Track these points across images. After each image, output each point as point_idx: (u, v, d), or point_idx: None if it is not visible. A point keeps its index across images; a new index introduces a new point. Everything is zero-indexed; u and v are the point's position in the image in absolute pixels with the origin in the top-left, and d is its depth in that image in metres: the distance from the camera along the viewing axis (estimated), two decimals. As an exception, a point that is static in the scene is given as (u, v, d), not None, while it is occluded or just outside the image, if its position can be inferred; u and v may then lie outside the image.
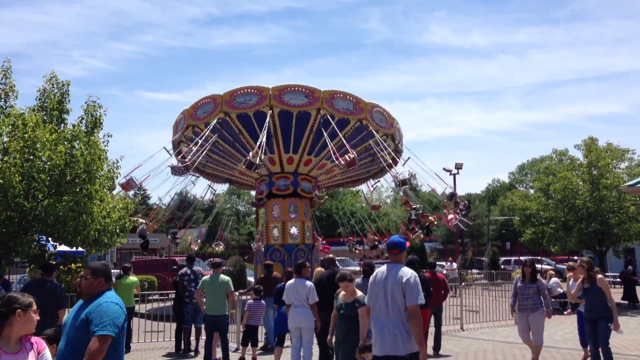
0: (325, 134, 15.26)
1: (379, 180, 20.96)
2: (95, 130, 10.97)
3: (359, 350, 5.57)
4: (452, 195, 16.86)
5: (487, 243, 46.31)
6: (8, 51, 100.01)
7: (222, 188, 32.35)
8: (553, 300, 16.52)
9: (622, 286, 18.58)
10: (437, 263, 22.34)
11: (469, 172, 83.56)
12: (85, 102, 11.08)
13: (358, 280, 7.35)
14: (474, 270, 28.85)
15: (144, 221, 16.88)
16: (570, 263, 9.45)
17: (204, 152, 15.96)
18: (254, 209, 34.48)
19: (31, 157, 9.48)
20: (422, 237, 19.40)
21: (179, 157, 16.57)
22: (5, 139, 9.61)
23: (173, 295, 11.07)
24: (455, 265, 25.72)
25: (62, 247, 11.80)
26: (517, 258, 32.43)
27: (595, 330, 7.41)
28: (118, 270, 17.21)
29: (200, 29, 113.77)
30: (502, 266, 30.78)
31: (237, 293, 10.52)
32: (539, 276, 8.70)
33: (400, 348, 4.68)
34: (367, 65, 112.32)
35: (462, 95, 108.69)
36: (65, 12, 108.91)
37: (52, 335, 4.29)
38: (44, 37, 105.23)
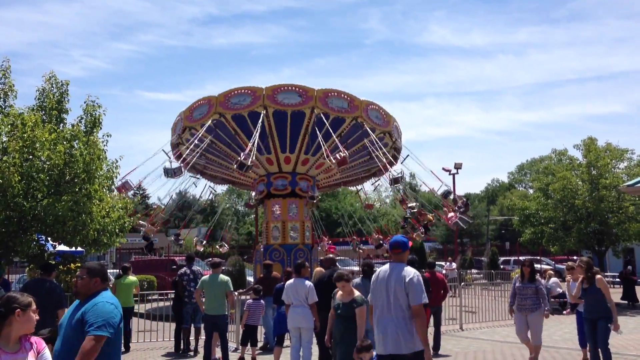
0: (319, 133, 15.24)
1: (379, 179, 20.94)
2: (95, 130, 10.96)
3: (357, 351, 5.57)
4: (448, 193, 16.89)
5: (487, 243, 46.39)
6: (7, 51, 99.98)
7: (221, 188, 32.35)
8: (552, 300, 16.55)
9: (622, 286, 18.60)
10: (437, 263, 22.37)
11: (468, 172, 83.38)
12: (85, 102, 11.07)
13: (357, 280, 7.36)
14: (474, 270, 28.86)
15: (144, 223, 16.92)
16: (570, 263, 9.46)
17: (199, 154, 16.03)
18: (254, 209, 34.49)
19: (30, 156, 9.47)
20: (423, 237, 19.38)
21: (179, 159, 16.66)
22: (5, 139, 9.60)
23: (172, 295, 11.07)
24: (454, 265, 25.73)
25: (62, 247, 11.79)
26: (517, 258, 32.42)
27: (595, 330, 7.41)
28: (117, 270, 17.25)
29: (200, 29, 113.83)
30: (502, 266, 30.80)
31: (236, 293, 10.53)
32: (537, 276, 8.72)
33: (403, 347, 4.69)
34: (366, 65, 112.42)
35: (461, 95, 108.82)
36: (65, 11, 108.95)
37: (47, 335, 4.28)
38: (44, 36, 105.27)
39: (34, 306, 3.28)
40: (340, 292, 6.46)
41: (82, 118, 10.97)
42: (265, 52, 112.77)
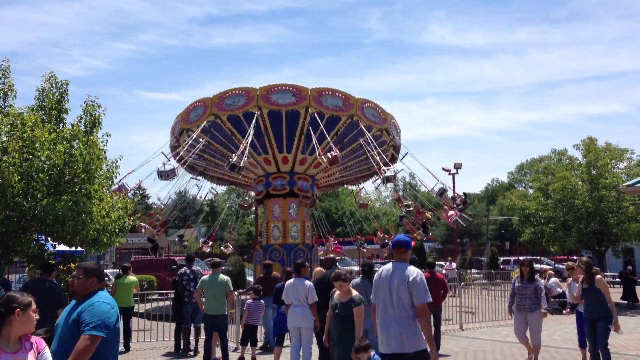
0: (313, 132, 15.20)
1: (379, 178, 20.93)
2: (94, 130, 10.95)
3: (355, 351, 5.57)
4: (443, 191, 16.89)
5: (487, 243, 46.36)
6: (7, 50, 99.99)
7: (221, 189, 32.34)
8: (552, 300, 16.56)
9: (622, 286, 18.60)
10: (437, 263, 22.38)
11: (468, 171, 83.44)
12: (84, 102, 11.05)
13: (357, 280, 7.35)
14: (473, 270, 28.86)
15: (147, 226, 17.00)
16: (570, 263, 9.46)
17: (197, 155, 16.06)
18: (253, 208, 34.49)
19: (30, 156, 9.46)
20: (423, 236, 19.37)
21: (180, 161, 16.70)
22: (4, 139, 9.59)
23: (172, 295, 11.07)
24: (454, 265, 25.73)
25: (61, 247, 11.77)
26: (517, 258, 32.44)
27: (595, 330, 7.40)
28: (117, 270, 17.24)
29: (200, 29, 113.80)
30: (502, 266, 30.80)
31: (236, 293, 10.52)
32: (537, 276, 8.72)
33: (406, 346, 4.70)
34: (366, 64, 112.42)
35: (461, 95, 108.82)
36: (65, 11, 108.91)
37: (43, 335, 4.27)
38: (43, 36, 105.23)
39: (34, 306, 3.27)
40: (337, 292, 6.46)
41: (81, 118, 10.96)
42: (265, 52, 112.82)
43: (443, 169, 27.30)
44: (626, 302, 17.68)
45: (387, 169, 14.51)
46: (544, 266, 28.18)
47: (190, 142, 15.45)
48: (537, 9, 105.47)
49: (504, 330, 12.20)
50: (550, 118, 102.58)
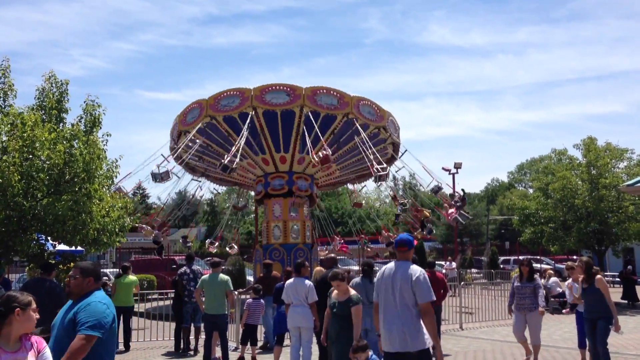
0: (306, 132, 15.18)
1: (381, 182, 20.90)
2: (95, 130, 10.95)
3: (352, 351, 5.57)
4: (438, 189, 16.92)
5: (486, 242, 46.37)
6: (7, 50, 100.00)
7: (222, 188, 32.32)
8: (552, 299, 16.57)
9: (622, 286, 18.61)
10: (437, 262, 22.38)
11: (468, 171, 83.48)
12: (85, 102, 11.06)
13: (357, 279, 7.35)
14: (473, 270, 28.87)
15: (149, 228, 17.04)
16: (569, 263, 9.46)
17: (197, 156, 16.09)
18: (253, 208, 34.49)
19: (30, 156, 9.46)
20: (424, 235, 19.37)
21: (181, 162, 16.72)
22: (4, 138, 9.59)
23: (172, 295, 11.07)
24: (454, 264, 25.73)
25: (62, 247, 11.77)
26: (516, 257, 32.46)
27: (595, 330, 7.40)
28: (117, 270, 17.25)
29: (200, 28, 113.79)
30: (501, 266, 30.81)
31: (236, 292, 10.52)
32: (536, 275, 8.72)
33: (409, 345, 4.71)
34: (366, 64, 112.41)
35: (461, 95, 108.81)
36: (65, 11, 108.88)
37: (38, 334, 4.26)
38: (43, 36, 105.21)
39: (33, 305, 3.26)
40: (336, 291, 6.47)
41: (81, 117, 10.96)
42: (265, 51, 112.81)
43: (443, 168, 27.24)
44: (626, 301, 17.69)
45: (380, 168, 14.44)
46: (544, 266, 28.20)
47: (188, 144, 15.48)
48: (537, 9, 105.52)
49: (504, 330, 12.21)
50: (550, 118, 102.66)
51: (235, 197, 25.11)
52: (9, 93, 10.55)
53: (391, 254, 31.29)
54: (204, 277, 9.16)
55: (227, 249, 22.22)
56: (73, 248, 11.81)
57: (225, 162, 13.78)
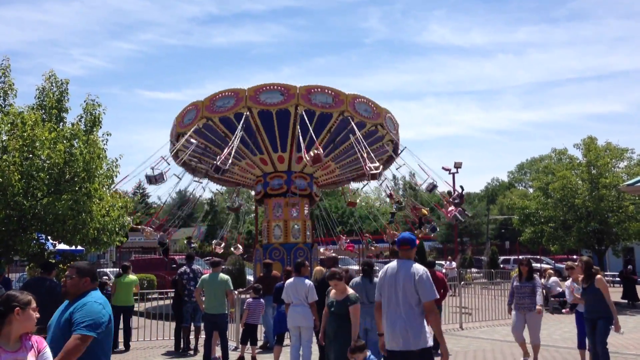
0: (304, 131, 15.18)
1: (383, 177, 20.86)
2: (95, 129, 10.94)
3: (350, 351, 5.57)
4: (433, 187, 16.96)
5: (487, 242, 46.33)
6: (7, 49, 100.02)
7: (223, 188, 32.31)
8: (552, 299, 16.56)
9: (622, 285, 18.61)
10: (437, 262, 22.37)
11: (468, 171, 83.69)
12: (85, 101, 11.05)
13: (357, 279, 7.35)
14: (473, 270, 28.85)
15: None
16: (569, 263, 9.46)
17: (187, 156, 16.15)
18: (253, 207, 34.50)
19: (30, 155, 9.46)
20: (425, 235, 19.37)
21: (182, 164, 16.75)
22: (5, 138, 9.58)
23: (172, 294, 11.07)
24: (454, 264, 25.72)
25: (62, 246, 11.78)
26: (517, 257, 32.47)
27: (595, 330, 7.39)
28: (117, 269, 17.25)
29: (200, 28, 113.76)
30: (501, 265, 30.80)
31: (236, 292, 10.52)
32: (535, 275, 8.72)
33: (411, 343, 4.72)
34: (366, 64, 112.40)
35: (461, 95, 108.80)
36: (65, 10, 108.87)
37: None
38: (43, 35, 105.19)
39: (33, 304, 3.25)
40: (333, 290, 6.47)
41: (82, 117, 10.95)
42: (265, 51, 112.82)
43: (443, 168, 27.24)
44: (626, 301, 17.68)
45: (373, 167, 14.41)
46: (544, 265, 28.18)
47: (185, 145, 15.54)
48: (537, 9, 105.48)
49: (504, 330, 12.20)
50: (550, 117, 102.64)
51: (235, 197, 25.07)
52: (9, 92, 10.55)
53: (391, 254, 31.30)
54: (204, 276, 9.16)
55: (232, 249, 22.23)
56: (73, 247, 11.81)
57: (218, 163, 13.80)
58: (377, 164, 14.73)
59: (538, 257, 31.54)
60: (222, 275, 8.89)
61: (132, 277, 11.20)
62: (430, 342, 4.82)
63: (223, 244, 21.90)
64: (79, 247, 11.81)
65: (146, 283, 19.80)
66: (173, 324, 10.79)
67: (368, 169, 14.30)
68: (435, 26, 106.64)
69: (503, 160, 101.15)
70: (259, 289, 9.62)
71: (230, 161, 14.12)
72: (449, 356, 4.80)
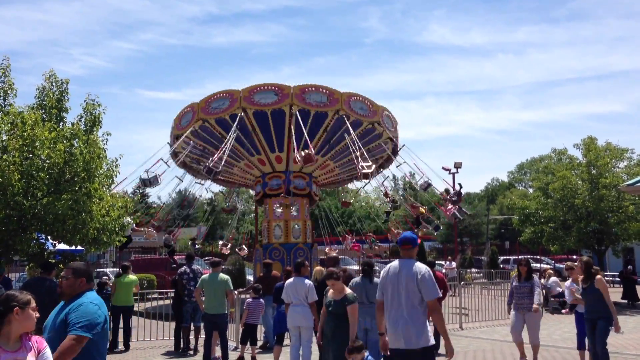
0: (300, 130, 15.17)
1: (385, 178, 20.86)
2: (95, 129, 10.94)
3: (348, 352, 5.57)
4: (427, 185, 16.95)
5: (486, 242, 46.33)
6: (7, 49, 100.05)
7: (221, 187, 32.32)
8: (552, 299, 16.56)
9: (622, 285, 18.60)
10: (437, 262, 22.36)
11: (468, 171, 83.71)
12: (85, 101, 11.04)
13: (357, 279, 7.35)
14: (473, 270, 28.85)
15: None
16: (569, 263, 9.46)
17: (183, 158, 16.21)
18: (254, 207, 34.50)
19: (30, 155, 9.46)
20: (425, 234, 19.39)
21: (183, 165, 16.77)
22: (4, 137, 9.58)
23: (172, 294, 11.07)
24: (454, 264, 25.71)
25: (62, 246, 11.77)
26: (516, 257, 32.47)
27: (595, 330, 7.39)
28: (117, 269, 17.26)
29: (200, 28, 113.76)
30: (501, 265, 30.80)
31: (236, 292, 10.52)
32: (534, 275, 8.72)
33: (413, 342, 4.74)
34: (366, 64, 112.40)
35: (461, 94, 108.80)
36: (65, 10, 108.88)
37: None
38: (43, 35, 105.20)
39: (33, 304, 3.24)
40: (331, 290, 6.47)
41: (82, 117, 10.95)
42: (265, 51, 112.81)
43: (443, 168, 27.26)
44: (626, 301, 17.68)
45: (366, 166, 14.39)
46: (544, 266, 28.18)
47: (183, 147, 15.60)
48: (537, 9, 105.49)
49: (504, 330, 12.20)
50: (550, 117, 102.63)
51: (235, 197, 25.09)
52: (9, 92, 10.54)
53: (391, 254, 31.31)
54: (203, 276, 9.16)
55: (237, 250, 22.24)
56: (73, 247, 11.81)
57: (210, 165, 13.83)
58: (370, 164, 14.70)
59: (538, 257, 31.54)
60: (222, 275, 8.89)
61: (132, 277, 11.20)
62: (432, 341, 4.84)
63: (229, 245, 21.92)
64: (79, 247, 11.81)
65: (146, 283, 19.80)
66: (173, 324, 10.79)
67: (360, 167, 14.29)
68: (435, 26, 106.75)
69: (503, 160, 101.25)
70: (259, 289, 9.62)
71: (222, 163, 14.15)
72: (454, 353, 4.83)
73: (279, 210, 17.17)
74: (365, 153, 15.05)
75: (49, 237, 10.41)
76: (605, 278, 9.46)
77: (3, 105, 10.43)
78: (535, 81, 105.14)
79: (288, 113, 15.42)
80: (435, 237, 47.03)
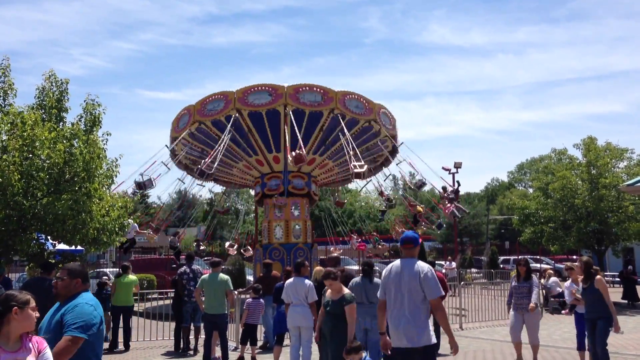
0: (291, 130, 15.16)
1: (387, 177, 20.86)
2: (95, 129, 10.94)
3: (346, 352, 5.57)
4: (422, 184, 16.92)
5: (486, 242, 46.33)
6: (7, 49, 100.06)
7: (220, 187, 32.33)
8: (552, 299, 16.56)
9: (622, 286, 18.60)
10: (436, 262, 22.36)
11: (468, 171, 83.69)
12: (85, 101, 11.05)
13: (357, 279, 7.34)
14: (473, 270, 28.84)
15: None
16: (568, 263, 9.45)
17: (179, 159, 16.24)
18: (254, 207, 34.51)
19: (30, 155, 9.47)
20: (424, 234, 19.41)
21: (184, 167, 16.79)
22: (4, 137, 9.59)
23: (172, 294, 11.07)
24: (454, 264, 25.70)
25: (61, 246, 11.78)
26: (516, 257, 32.46)
27: (595, 330, 7.39)
28: (117, 269, 17.25)
29: (200, 28, 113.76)
30: (501, 265, 30.81)
31: (236, 292, 10.52)
32: (533, 275, 8.72)
33: (416, 341, 4.76)
34: (366, 64, 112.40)
35: (461, 94, 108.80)
36: (65, 10, 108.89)
37: None
38: (43, 35, 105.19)
39: (32, 304, 3.23)
40: (330, 290, 6.47)
41: (81, 117, 10.96)
42: (265, 51, 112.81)
43: (443, 168, 27.27)
44: (626, 301, 17.68)
45: (358, 165, 14.38)
46: (544, 266, 28.17)
47: (182, 149, 15.64)
48: (537, 9, 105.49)
49: (504, 330, 12.19)
50: (550, 117, 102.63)
51: (235, 197, 25.12)
52: (9, 92, 10.55)
53: (391, 254, 31.29)
54: (203, 276, 9.16)
55: (242, 251, 22.25)
56: (73, 247, 11.82)
57: (202, 168, 13.85)
58: (362, 163, 14.69)
59: (538, 257, 31.54)
60: (222, 276, 8.88)
61: (132, 277, 11.20)
62: (434, 340, 4.86)
63: (236, 246, 21.93)
64: (79, 247, 11.82)
65: (146, 283, 19.80)
66: (173, 324, 10.79)
67: (352, 167, 14.28)
68: (435, 26, 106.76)
69: (503, 160, 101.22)
70: (259, 289, 9.62)
71: (216, 165, 14.16)
72: (458, 348, 4.89)
73: (279, 212, 17.15)
74: (358, 152, 15.03)
75: (49, 237, 10.41)
76: (605, 278, 9.46)
77: (3, 105, 10.44)
78: (535, 81, 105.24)
79: (282, 113, 15.43)
80: (435, 237, 47.08)
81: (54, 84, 11.05)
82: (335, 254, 9.04)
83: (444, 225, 19.70)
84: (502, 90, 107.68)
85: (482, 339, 11.19)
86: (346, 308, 6.16)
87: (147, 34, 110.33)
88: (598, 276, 7.47)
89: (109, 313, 11.02)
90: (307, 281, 7.59)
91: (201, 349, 9.44)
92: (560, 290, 16.25)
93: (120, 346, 10.59)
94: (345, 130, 15.34)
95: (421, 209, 18.77)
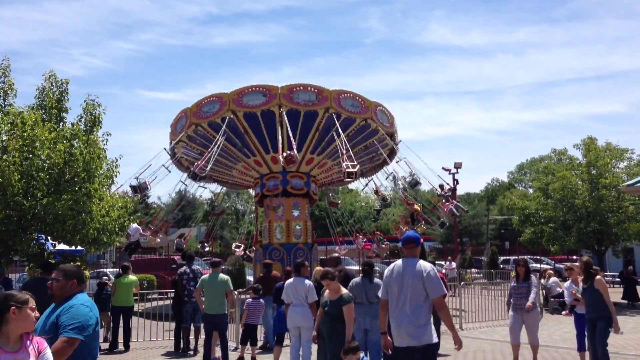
0: (285, 130, 15.15)
1: (389, 175, 20.80)
2: (95, 129, 10.96)
3: (344, 352, 5.57)
4: (416, 183, 16.92)
5: (486, 242, 46.31)
6: (7, 49, 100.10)
7: (220, 187, 32.33)
8: (552, 299, 16.56)
9: (622, 286, 18.60)
10: (436, 262, 22.37)
11: (468, 171, 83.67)
12: (85, 101, 11.07)
13: (357, 279, 7.34)
14: (473, 270, 28.84)
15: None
16: (568, 264, 9.45)
17: (176, 161, 16.27)
18: (254, 207, 34.45)
19: (30, 155, 9.47)
20: (423, 234, 19.38)
21: (188, 170, 16.78)
22: (4, 138, 9.59)
23: (172, 294, 11.07)
24: (454, 264, 25.71)
25: (61, 246, 11.79)
26: (516, 257, 32.44)
27: (595, 330, 7.39)
28: (117, 269, 17.26)
29: (200, 28, 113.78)
30: (501, 265, 30.81)
31: (236, 292, 10.52)
32: (532, 275, 8.72)
33: (417, 340, 4.78)
34: (366, 64, 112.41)
35: (461, 95, 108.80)
36: (65, 10, 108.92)
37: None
38: (43, 35, 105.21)
39: (31, 304, 3.21)
40: (328, 290, 6.48)
41: (82, 117, 10.97)
42: (265, 51, 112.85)
43: (443, 168, 27.26)
44: (626, 301, 17.68)
45: (351, 165, 14.36)
46: (544, 266, 28.17)
47: (182, 151, 15.68)
48: (537, 9, 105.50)
49: (504, 330, 12.17)
50: (550, 118, 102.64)
51: (235, 197, 25.12)
52: (9, 92, 10.56)
53: (391, 254, 31.24)
54: (203, 276, 9.16)
55: (247, 252, 22.27)
56: (73, 248, 11.83)
57: (196, 170, 13.85)
58: (355, 163, 14.67)
59: (538, 257, 31.53)
60: (222, 276, 8.88)
61: (132, 277, 11.20)
62: (436, 339, 4.88)
63: (242, 247, 21.94)
64: (79, 248, 11.82)
65: (146, 283, 19.80)
66: (173, 324, 10.79)
67: (345, 167, 14.27)
68: (435, 26, 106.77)
69: (503, 160, 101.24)
70: (259, 289, 9.62)
71: (210, 167, 14.16)
72: (461, 343, 4.95)
73: (280, 212, 17.15)
74: (352, 152, 15.01)
75: (49, 238, 10.42)
76: (606, 278, 9.46)
77: (3, 106, 10.45)
78: (535, 81, 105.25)
79: (277, 114, 15.42)
80: (435, 237, 47.07)
81: (54, 84, 11.06)
82: (336, 254, 9.02)
83: (447, 224, 19.60)
84: (502, 91, 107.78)
85: (482, 339, 11.19)
86: (344, 308, 6.16)
87: (147, 34, 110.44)
88: (598, 276, 7.46)
89: (109, 313, 11.02)
90: (307, 281, 7.59)
91: (201, 349, 9.44)
92: (560, 290, 16.25)
93: (120, 346, 10.59)
94: (340, 129, 15.31)
95: (418, 208, 18.75)
